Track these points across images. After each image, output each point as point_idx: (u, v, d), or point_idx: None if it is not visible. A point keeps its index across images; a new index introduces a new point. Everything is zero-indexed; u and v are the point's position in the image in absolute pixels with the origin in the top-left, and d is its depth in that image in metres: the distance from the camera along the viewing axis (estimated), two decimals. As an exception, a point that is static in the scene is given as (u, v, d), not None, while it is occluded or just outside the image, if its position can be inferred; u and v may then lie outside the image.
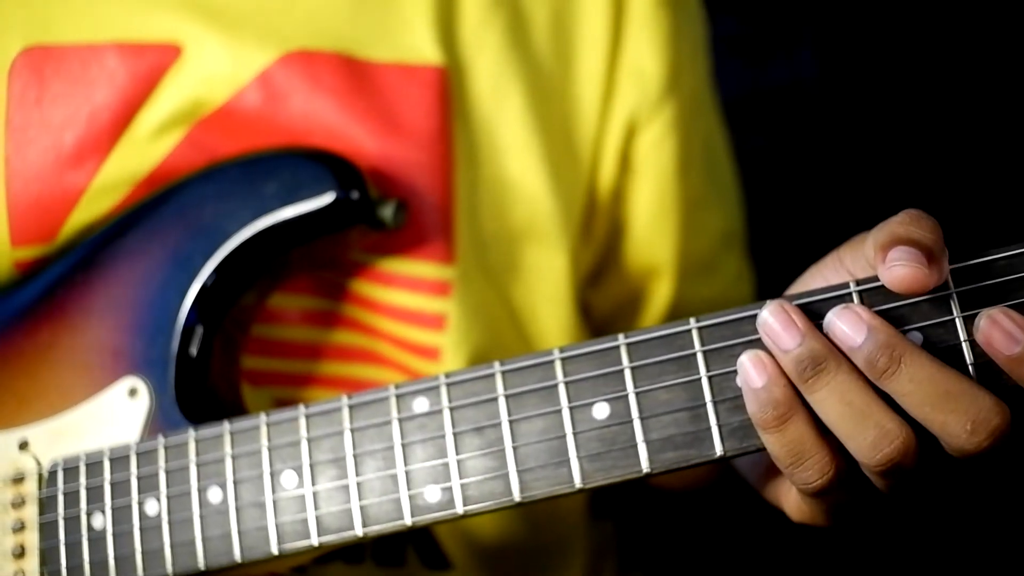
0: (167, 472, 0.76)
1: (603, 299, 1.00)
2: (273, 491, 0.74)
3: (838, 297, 0.64)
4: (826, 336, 0.63)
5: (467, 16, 0.89)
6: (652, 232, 0.98)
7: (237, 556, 0.74)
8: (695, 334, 0.66)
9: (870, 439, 0.61)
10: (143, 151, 0.85)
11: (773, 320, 0.63)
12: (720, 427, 0.66)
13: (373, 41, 0.87)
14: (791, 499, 0.71)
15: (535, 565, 0.95)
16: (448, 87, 0.88)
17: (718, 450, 0.66)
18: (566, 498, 0.96)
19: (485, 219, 0.90)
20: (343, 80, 0.86)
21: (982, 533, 1.33)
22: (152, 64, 0.85)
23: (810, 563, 1.32)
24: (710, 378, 0.66)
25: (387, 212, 0.81)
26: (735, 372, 0.65)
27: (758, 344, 0.65)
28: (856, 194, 1.45)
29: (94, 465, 0.79)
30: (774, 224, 1.38)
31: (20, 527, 0.80)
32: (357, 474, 0.72)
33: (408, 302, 0.88)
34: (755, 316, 0.65)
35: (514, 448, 0.69)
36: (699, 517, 1.24)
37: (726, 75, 1.15)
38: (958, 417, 0.60)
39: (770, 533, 1.26)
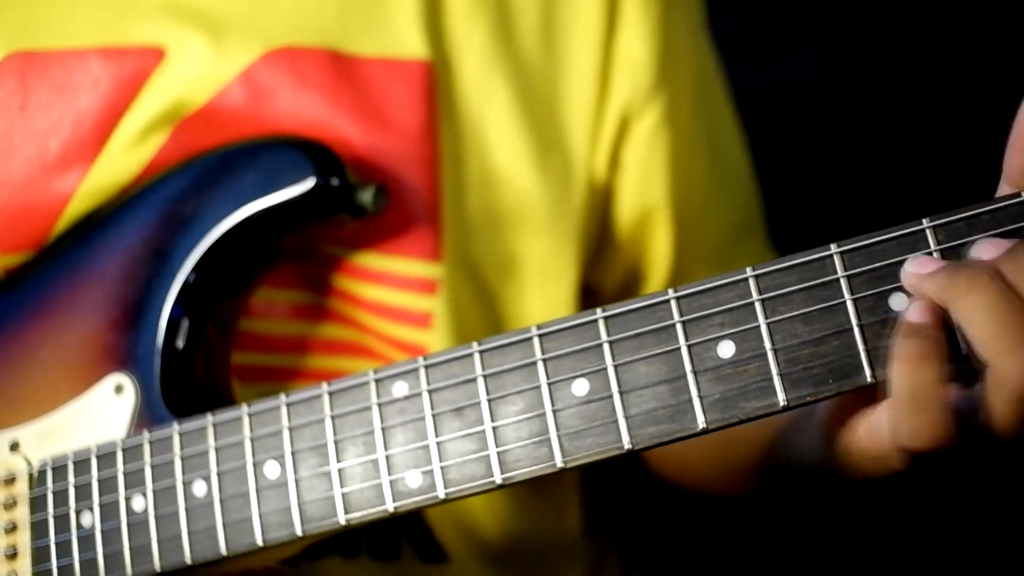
0: (152, 467, 0.76)
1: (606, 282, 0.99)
2: (256, 482, 0.73)
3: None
4: None
5: (453, 10, 0.89)
6: (640, 229, 0.97)
7: (222, 549, 0.73)
8: (673, 304, 0.65)
9: None
10: (129, 155, 0.86)
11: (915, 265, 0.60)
12: (702, 399, 0.64)
13: (359, 35, 0.87)
14: (876, 435, 0.65)
15: (535, 560, 0.94)
16: (434, 82, 0.87)
17: (700, 422, 0.64)
18: (563, 514, 0.96)
19: (473, 216, 0.89)
20: (329, 75, 0.86)
21: (982, 533, 1.30)
22: (135, 68, 0.85)
23: (810, 565, 1.30)
24: (690, 348, 0.65)
25: (366, 197, 0.81)
26: (715, 341, 0.64)
27: (738, 312, 0.64)
28: (856, 194, 1.44)
29: (81, 463, 0.79)
30: (773, 223, 1.37)
31: (12, 528, 0.80)
32: (338, 461, 0.71)
33: (394, 300, 0.87)
34: (732, 284, 0.64)
35: (493, 428, 0.68)
36: (701, 516, 1.22)
37: (726, 75, 1.15)
38: None
39: (772, 533, 1.24)
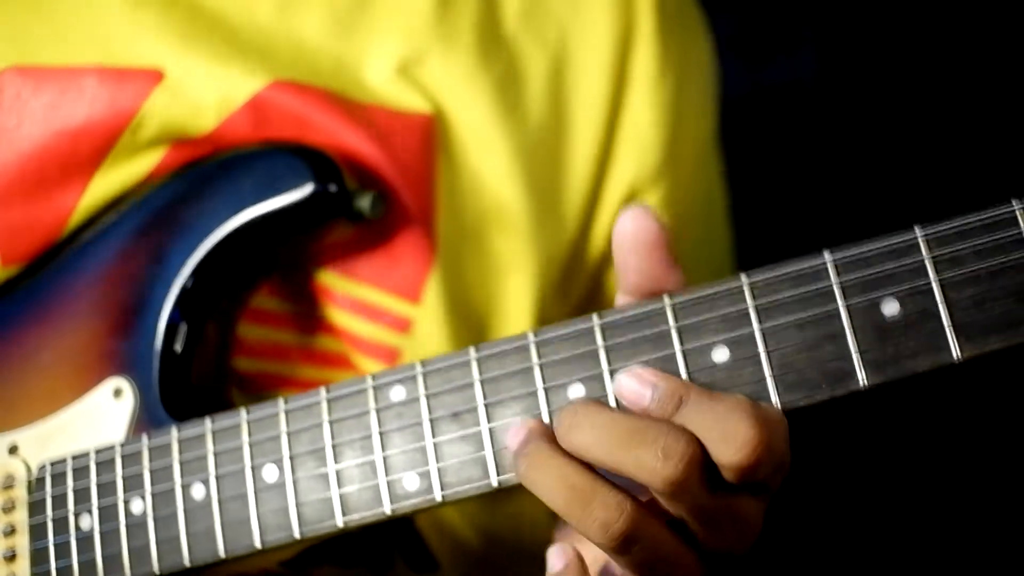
0: (151, 471, 0.76)
1: None
2: (255, 485, 0.73)
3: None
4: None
5: (452, 68, 0.88)
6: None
7: (221, 551, 0.74)
8: (669, 311, 0.66)
9: (599, 520, 0.62)
10: (128, 171, 0.85)
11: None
12: (696, 404, 0.65)
13: (354, 86, 0.87)
14: None
15: (520, 567, 0.94)
16: (435, 133, 0.87)
17: (694, 427, 0.65)
18: (528, 524, 0.96)
19: (462, 265, 0.89)
20: (334, 108, 0.85)
21: (982, 533, 1.31)
22: (134, 88, 0.84)
23: (809, 562, 1.31)
24: (685, 353, 0.65)
25: (364, 203, 0.81)
26: (710, 347, 0.65)
27: (733, 319, 0.64)
28: (855, 194, 1.44)
29: (80, 468, 0.79)
30: (772, 224, 1.37)
31: (11, 531, 0.80)
32: (336, 464, 0.72)
33: (366, 332, 0.87)
34: (728, 291, 0.65)
35: (490, 431, 0.68)
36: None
37: (726, 75, 1.15)
38: (647, 448, 0.61)
39: (773, 531, 1.25)
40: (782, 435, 0.63)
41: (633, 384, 0.64)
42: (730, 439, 0.61)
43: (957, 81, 1.46)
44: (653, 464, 0.61)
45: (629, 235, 0.66)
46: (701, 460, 0.61)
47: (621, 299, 0.69)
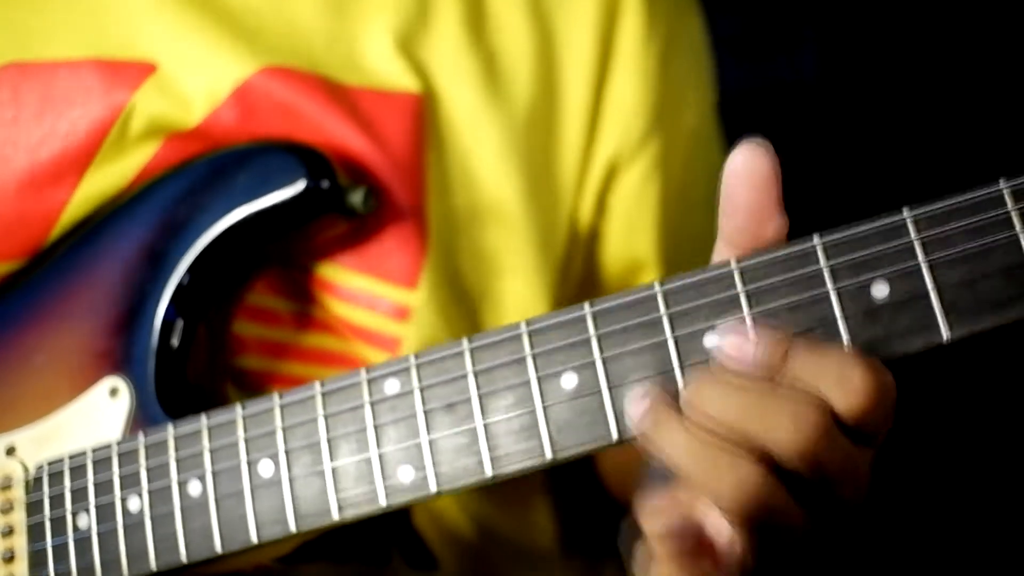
0: (148, 469, 0.77)
1: None
2: (251, 480, 0.73)
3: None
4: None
5: (440, 44, 0.89)
6: (628, 277, 0.97)
7: (218, 547, 0.74)
8: (660, 298, 0.66)
9: (727, 482, 0.60)
10: (120, 165, 0.86)
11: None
12: (689, 391, 0.64)
13: (347, 68, 0.87)
14: None
15: (522, 566, 0.94)
16: (425, 113, 0.87)
17: (688, 414, 0.64)
18: (535, 522, 0.96)
19: (457, 249, 0.89)
20: (321, 95, 0.85)
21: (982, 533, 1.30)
22: (127, 81, 0.85)
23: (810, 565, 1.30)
24: (676, 340, 0.65)
25: (356, 198, 0.81)
26: (702, 333, 0.64)
27: (724, 304, 0.64)
28: (857, 195, 1.44)
29: (77, 467, 0.79)
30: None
31: (9, 532, 0.80)
32: (331, 459, 0.72)
33: (366, 321, 0.87)
34: (718, 277, 0.64)
35: (484, 424, 0.68)
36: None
37: (726, 75, 1.15)
38: (779, 417, 0.59)
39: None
40: (891, 380, 0.61)
41: (734, 340, 0.62)
42: (847, 384, 0.59)
43: (959, 81, 1.46)
44: (787, 431, 0.59)
45: (741, 168, 0.65)
46: (831, 424, 0.60)
47: (724, 251, 0.67)
